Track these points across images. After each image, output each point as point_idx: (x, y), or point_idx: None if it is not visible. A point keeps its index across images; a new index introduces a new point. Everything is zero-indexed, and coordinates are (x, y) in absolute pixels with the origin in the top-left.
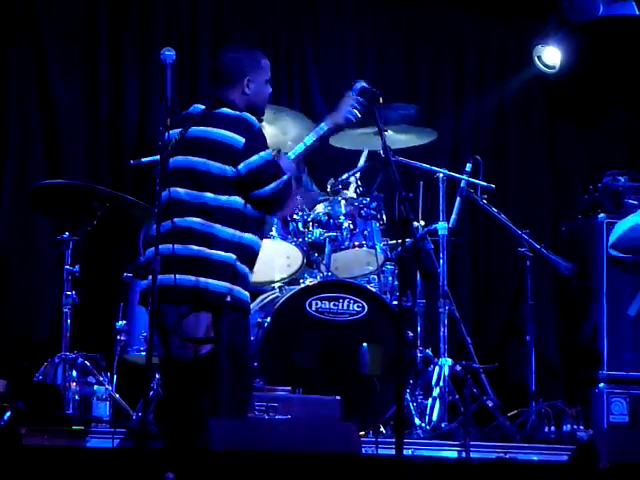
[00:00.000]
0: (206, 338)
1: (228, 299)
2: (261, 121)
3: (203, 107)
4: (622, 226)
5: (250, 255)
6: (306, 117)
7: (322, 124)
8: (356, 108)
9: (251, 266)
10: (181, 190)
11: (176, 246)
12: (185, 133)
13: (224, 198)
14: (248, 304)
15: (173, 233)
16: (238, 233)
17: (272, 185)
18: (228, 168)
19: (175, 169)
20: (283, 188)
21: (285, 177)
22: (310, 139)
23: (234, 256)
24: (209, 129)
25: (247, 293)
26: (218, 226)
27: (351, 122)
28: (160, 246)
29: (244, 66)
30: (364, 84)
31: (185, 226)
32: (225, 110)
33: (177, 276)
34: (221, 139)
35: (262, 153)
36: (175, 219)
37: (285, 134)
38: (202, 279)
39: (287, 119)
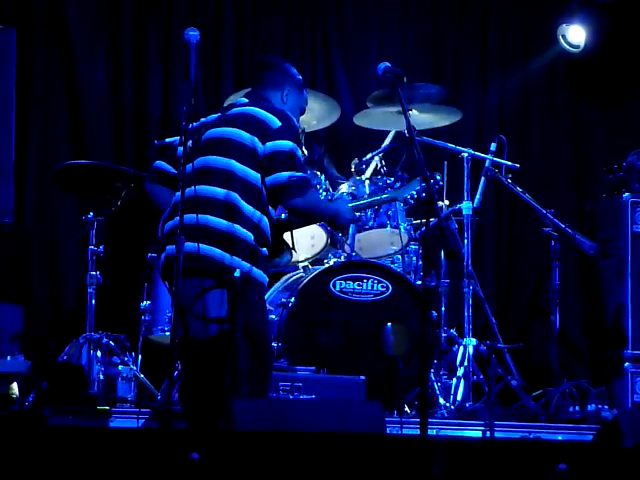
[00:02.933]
0: (217, 318)
1: (236, 274)
2: None
3: (247, 100)
4: None
5: (264, 240)
6: (330, 97)
7: (385, 194)
8: (418, 192)
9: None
10: (210, 157)
11: (199, 216)
12: (226, 112)
13: (249, 171)
14: (265, 285)
15: (196, 202)
16: (258, 213)
17: (289, 173)
18: (258, 143)
19: (209, 140)
20: (298, 182)
21: (304, 174)
22: (369, 200)
23: (252, 236)
24: (252, 108)
25: (265, 275)
26: (241, 200)
27: (407, 201)
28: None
29: (286, 80)
30: (388, 64)
31: (209, 195)
32: (271, 104)
33: (202, 246)
34: (259, 116)
35: (293, 143)
36: (199, 187)
37: (308, 113)
38: (228, 255)
39: (310, 99)
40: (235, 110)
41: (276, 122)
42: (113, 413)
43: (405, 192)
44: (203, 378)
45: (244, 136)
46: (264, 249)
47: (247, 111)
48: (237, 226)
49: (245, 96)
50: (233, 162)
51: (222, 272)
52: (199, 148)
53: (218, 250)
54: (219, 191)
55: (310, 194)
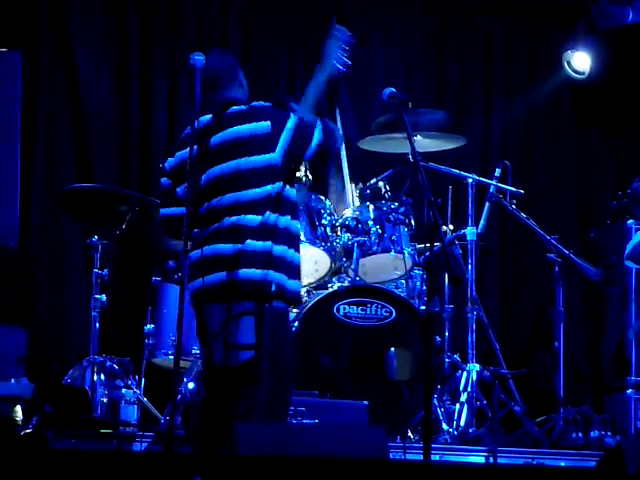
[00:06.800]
0: (248, 344)
1: (273, 288)
2: None
3: (210, 116)
4: (636, 238)
5: (297, 240)
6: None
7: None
8: (342, 55)
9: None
10: (230, 194)
11: (231, 245)
12: (207, 145)
13: (269, 187)
14: (288, 313)
15: (226, 232)
16: (289, 219)
17: (315, 134)
18: (268, 156)
19: (215, 179)
20: (325, 128)
21: (319, 121)
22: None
23: (286, 247)
24: (232, 129)
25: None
26: (271, 214)
27: (339, 70)
28: (208, 247)
29: (232, 64)
30: (393, 90)
31: (242, 224)
32: (234, 108)
33: (242, 270)
34: (250, 132)
35: (287, 125)
36: (229, 218)
37: None
38: (271, 272)
39: None
40: (219, 139)
41: (266, 125)
42: (116, 436)
43: (328, 64)
44: (223, 404)
45: (256, 160)
46: (297, 254)
47: (235, 135)
48: (274, 244)
49: (205, 111)
50: (254, 190)
51: (258, 290)
52: (209, 187)
53: (257, 270)
54: (249, 218)
55: (325, 124)
